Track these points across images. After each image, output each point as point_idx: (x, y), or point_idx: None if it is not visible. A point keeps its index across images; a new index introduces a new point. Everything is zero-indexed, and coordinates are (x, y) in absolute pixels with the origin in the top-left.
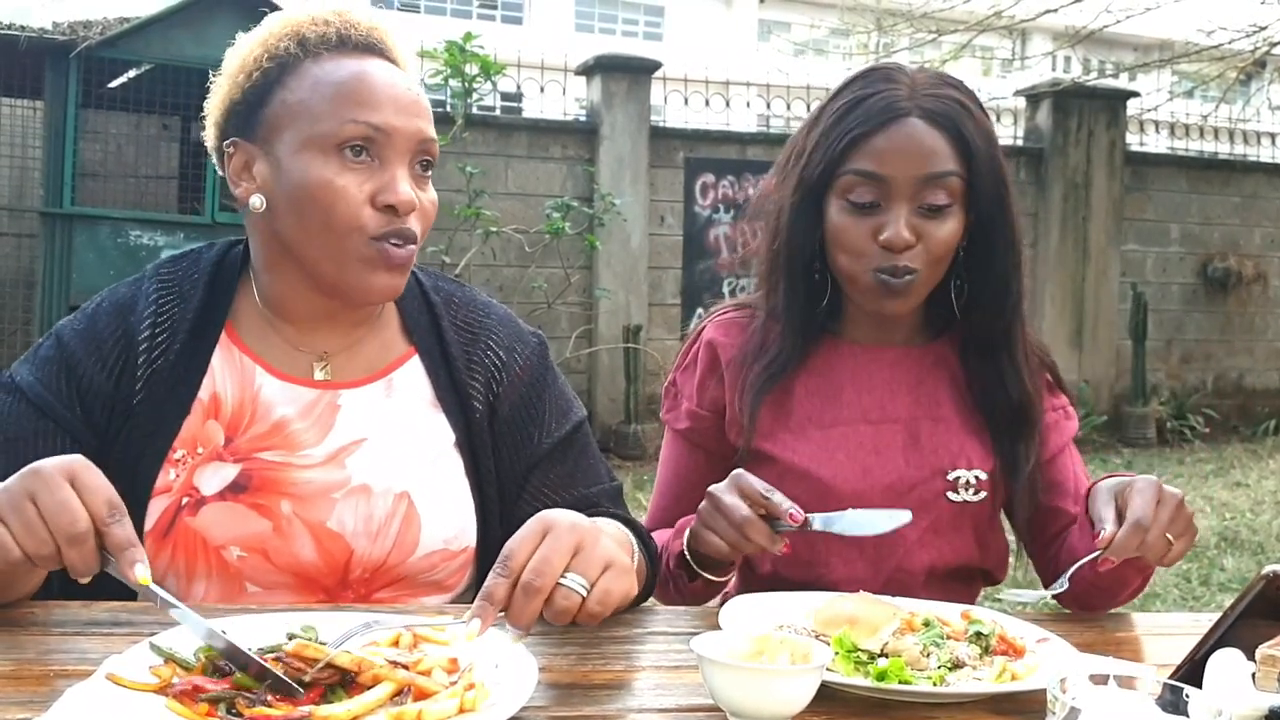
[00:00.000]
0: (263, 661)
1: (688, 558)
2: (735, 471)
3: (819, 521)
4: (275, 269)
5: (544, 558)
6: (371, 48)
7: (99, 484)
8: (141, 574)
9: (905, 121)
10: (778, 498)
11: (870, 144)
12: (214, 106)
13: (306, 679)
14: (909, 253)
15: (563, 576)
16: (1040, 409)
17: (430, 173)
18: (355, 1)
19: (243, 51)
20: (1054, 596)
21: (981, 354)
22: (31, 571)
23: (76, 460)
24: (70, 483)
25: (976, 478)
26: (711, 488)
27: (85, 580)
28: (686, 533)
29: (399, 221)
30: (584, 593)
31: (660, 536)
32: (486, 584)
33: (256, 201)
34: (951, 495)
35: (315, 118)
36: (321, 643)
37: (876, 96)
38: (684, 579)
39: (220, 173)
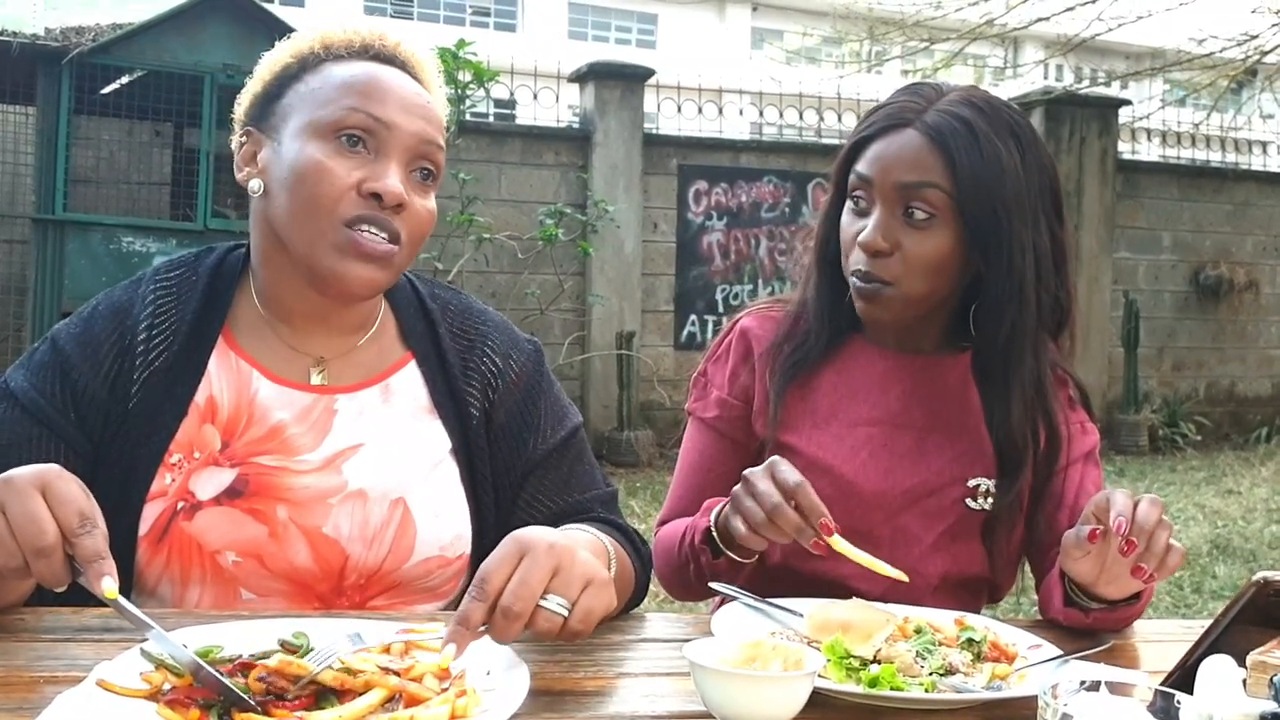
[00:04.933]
0: (220, 677)
1: (714, 534)
2: (773, 459)
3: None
4: (271, 262)
5: (522, 580)
6: (393, 60)
7: (70, 494)
8: (109, 587)
9: (902, 131)
10: (808, 491)
11: (869, 149)
12: (240, 106)
13: (290, 697)
14: (883, 262)
15: (543, 598)
16: (1025, 456)
17: (431, 183)
18: (351, 7)
19: (273, 54)
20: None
21: (979, 377)
22: (14, 582)
23: (50, 470)
24: (42, 493)
25: (996, 487)
26: (747, 471)
27: (59, 590)
28: (714, 511)
29: (378, 211)
30: (565, 614)
31: (675, 526)
32: (462, 607)
33: (255, 185)
34: (970, 503)
35: (320, 104)
36: (301, 646)
37: (893, 106)
38: (708, 555)
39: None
